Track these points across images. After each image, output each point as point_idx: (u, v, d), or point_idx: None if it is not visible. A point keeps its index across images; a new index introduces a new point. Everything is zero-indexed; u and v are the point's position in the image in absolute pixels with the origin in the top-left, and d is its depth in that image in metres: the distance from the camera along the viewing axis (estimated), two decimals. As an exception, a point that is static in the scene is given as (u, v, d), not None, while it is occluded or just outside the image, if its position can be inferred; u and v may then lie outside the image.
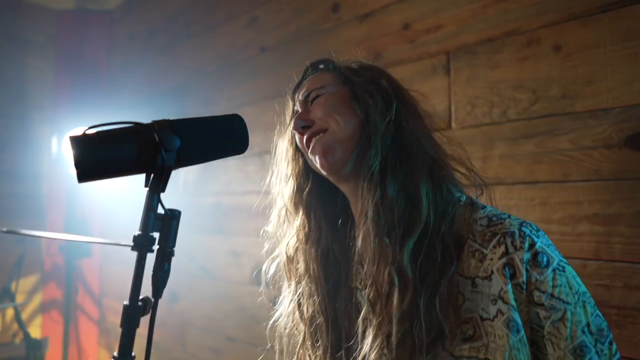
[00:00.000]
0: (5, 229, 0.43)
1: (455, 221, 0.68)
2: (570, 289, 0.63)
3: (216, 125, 0.60)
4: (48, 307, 2.86)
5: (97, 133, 0.52)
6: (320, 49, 1.70)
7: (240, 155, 2.19)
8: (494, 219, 0.67)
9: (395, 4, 1.46)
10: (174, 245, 0.56)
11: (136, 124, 0.53)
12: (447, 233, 0.66)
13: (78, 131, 0.52)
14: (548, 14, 1.13)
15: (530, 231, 0.64)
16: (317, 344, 0.79)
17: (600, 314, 0.66)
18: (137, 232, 0.55)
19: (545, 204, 1.12)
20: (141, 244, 0.54)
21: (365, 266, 0.72)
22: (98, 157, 0.51)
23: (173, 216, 0.55)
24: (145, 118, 2.18)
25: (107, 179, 0.53)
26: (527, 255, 0.62)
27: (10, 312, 2.70)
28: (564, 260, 0.66)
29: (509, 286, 0.62)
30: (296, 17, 1.82)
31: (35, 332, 2.81)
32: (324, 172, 0.74)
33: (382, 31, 1.50)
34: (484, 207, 0.71)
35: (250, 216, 1.95)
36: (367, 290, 0.70)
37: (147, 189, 0.55)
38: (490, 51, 1.23)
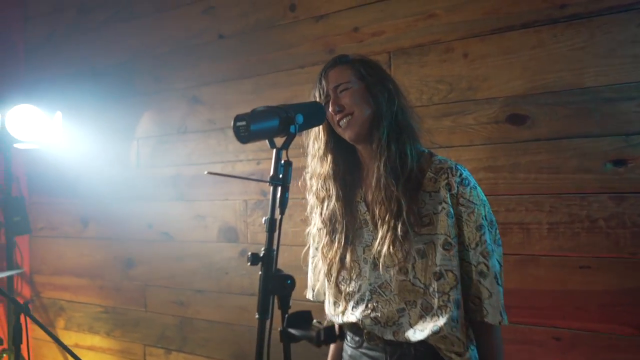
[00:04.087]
0: (208, 172, 0.67)
1: (421, 162, 1.16)
2: (478, 197, 1.12)
3: (310, 107, 0.97)
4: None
5: (258, 111, 0.87)
6: (279, 41, 2.05)
7: (201, 130, 2.63)
8: (442, 160, 1.16)
9: (347, 11, 1.88)
10: (289, 182, 0.93)
11: (275, 107, 0.88)
12: (418, 170, 1.14)
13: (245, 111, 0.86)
14: (459, 31, 1.66)
15: (462, 167, 1.14)
16: (334, 237, 1.22)
17: (492, 214, 1.16)
18: (270, 174, 0.90)
19: (459, 160, 1.65)
20: (275, 180, 0.90)
21: (373, 192, 1.16)
22: (259, 127, 0.86)
23: (289, 164, 0.92)
24: (85, 92, 2.65)
25: (261, 140, 0.88)
26: (457, 179, 1.11)
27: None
28: (477, 184, 1.16)
29: (448, 194, 1.10)
30: (254, 11, 2.13)
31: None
32: (349, 139, 1.16)
33: (335, 31, 1.91)
34: (436, 155, 1.19)
35: (216, 183, 2.24)
36: (377, 207, 1.15)
37: (274, 149, 0.91)
38: (420, 54, 1.73)
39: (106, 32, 2.62)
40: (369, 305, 1.17)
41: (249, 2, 2.14)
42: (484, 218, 1.11)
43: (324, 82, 1.18)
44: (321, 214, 1.25)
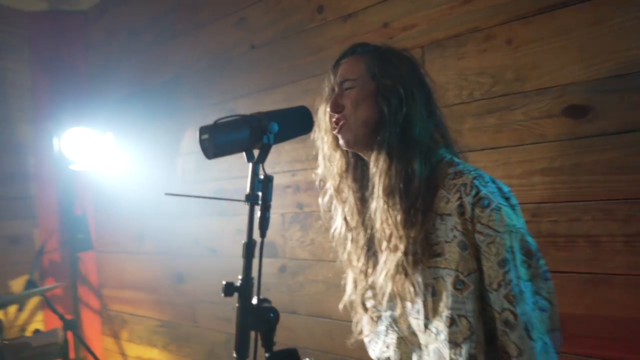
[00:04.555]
0: (167, 193, 0.62)
1: (436, 176, 0.94)
2: (502, 221, 0.86)
3: (294, 114, 0.85)
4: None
5: (223, 122, 0.76)
6: (309, 45, 1.95)
7: None
8: (457, 174, 0.92)
9: (375, 6, 1.73)
10: (270, 200, 0.81)
11: (245, 116, 0.78)
12: (430, 187, 0.93)
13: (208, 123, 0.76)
14: (500, 15, 1.44)
15: (480, 183, 0.89)
16: (358, 239, 1.05)
17: (530, 240, 0.90)
18: (247, 192, 0.80)
19: (507, 163, 1.44)
20: (251, 199, 0.79)
21: (373, 214, 0.98)
22: (226, 139, 0.75)
23: (269, 179, 0.81)
24: (135, 112, 2.56)
25: (230, 154, 0.77)
26: (471, 200, 0.87)
27: (13, 308, 2.81)
28: (504, 203, 0.90)
29: (460, 219, 0.88)
30: (283, 17, 2.05)
31: (39, 326, 2.93)
32: (341, 145, 1.01)
33: (364, 29, 1.77)
34: (459, 163, 0.95)
35: (253, 196, 2.19)
36: (377, 232, 0.97)
37: (251, 162, 0.80)
38: (456, 45, 1.53)
39: (154, 52, 2.70)
40: (385, 341, 1.01)
41: (278, 9, 2.07)
42: (508, 250, 0.86)
43: (331, 75, 1.03)
44: (344, 218, 1.08)
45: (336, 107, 0.98)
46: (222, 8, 2.30)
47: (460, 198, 0.89)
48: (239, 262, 2.36)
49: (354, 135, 0.97)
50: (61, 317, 1.82)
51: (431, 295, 0.90)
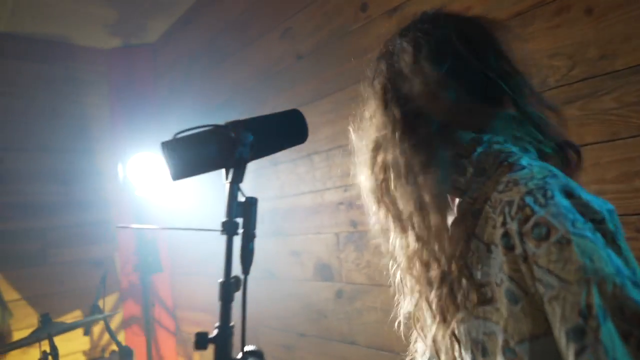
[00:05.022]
0: (118, 225, 0.52)
1: (486, 183, 0.68)
2: (573, 265, 0.54)
3: (280, 120, 0.68)
4: (129, 323, 3.09)
5: (184, 137, 0.62)
6: (354, 48, 1.77)
7: (290, 160, 2.30)
8: (510, 184, 0.64)
9: (422, -6, 1.52)
10: (254, 228, 0.65)
11: (215, 126, 0.62)
12: (476, 200, 0.68)
13: (169, 138, 0.62)
14: (575, -21, 1.15)
15: (535, 200, 0.59)
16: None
17: (634, 296, 0.53)
18: (223, 219, 0.64)
19: (597, 164, 1.13)
20: (229, 228, 0.63)
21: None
22: (187, 157, 0.60)
23: (252, 202, 0.64)
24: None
25: (197, 174, 0.63)
26: (519, 226, 0.59)
27: (97, 329, 2.94)
28: (583, 230, 0.56)
29: (507, 257, 0.61)
30: (327, 21, 1.90)
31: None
32: None
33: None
34: (522, 168, 0.66)
35: (306, 216, 2.04)
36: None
37: (227, 182, 0.64)
38: (520, 25, 1.26)
39: (209, 75, 2.71)
40: None
41: (321, 13, 1.92)
42: (584, 313, 0.53)
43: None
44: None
45: None
46: (268, 21, 2.22)
47: (504, 223, 0.62)
48: (295, 286, 2.21)
49: None
50: (117, 344, 1.82)
51: (481, 354, 0.66)
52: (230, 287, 0.62)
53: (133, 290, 3.07)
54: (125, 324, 3.10)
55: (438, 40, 0.75)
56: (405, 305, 0.85)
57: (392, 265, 0.87)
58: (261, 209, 2.25)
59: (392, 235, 0.84)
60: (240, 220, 0.64)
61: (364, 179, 0.81)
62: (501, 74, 0.75)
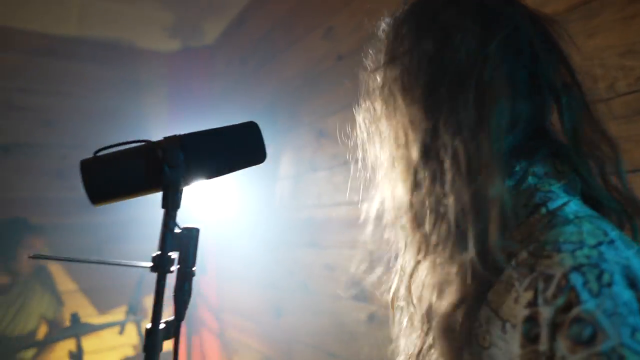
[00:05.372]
0: (31, 255, 0.46)
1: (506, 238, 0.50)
2: None
3: (226, 135, 0.56)
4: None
5: (106, 155, 0.52)
6: (395, 47, 1.61)
7: (328, 167, 2.14)
8: (548, 247, 0.46)
9: (469, -16, 1.32)
10: (193, 265, 0.54)
11: (145, 141, 0.52)
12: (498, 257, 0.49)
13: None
14: (658, -43, 0.91)
15: (584, 283, 0.42)
16: None
17: None
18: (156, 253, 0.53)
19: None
20: (159, 264, 0.52)
21: None
22: (106, 178, 0.51)
23: (190, 235, 0.53)
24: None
25: (122, 199, 0.53)
26: (555, 314, 0.42)
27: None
28: None
29: (523, 350, 0.44)
30: (368, 18, 1.75)
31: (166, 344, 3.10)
32: None
33: (458, 16, 1.36)
34: (567, 222, 0.47)
35: (342, 228, 1.90)
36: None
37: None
38: (585, 16, 1.03)
39: (257, 76, 2.66)
40: None
41: (363, 11, 1.78)
42: None
43: None
44: None
45: None
46: (312, 20, 2.11)
47: (533, 303, 0.44)
48: (329, 303, 2.07)
49: None
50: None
51: None
52: (157, 335, 0.51)
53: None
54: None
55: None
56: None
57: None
58: (297, 217, 2.14)
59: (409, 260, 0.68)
60: (176, 255, 0.53)
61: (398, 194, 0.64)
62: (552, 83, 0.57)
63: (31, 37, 2.85)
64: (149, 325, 0.53)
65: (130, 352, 2.61)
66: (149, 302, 2.66)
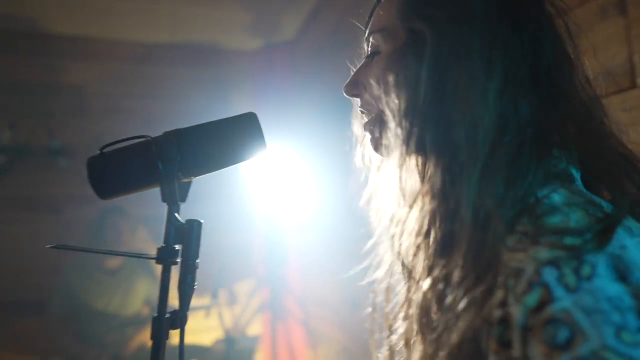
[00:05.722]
0: (52, 245, 0.49)
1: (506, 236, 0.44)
2: None
3: (222, 127, 0.55)
4: (262, 309, 3.28)
5: (110, 152, 0.54)
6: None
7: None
8: (525, 238, 0.40)
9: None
10: (196, 257, 0.54)
11: (141, 137, 0.53)
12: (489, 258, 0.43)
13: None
14: None
15: (559, 277, 0.35)
16: None
17: None
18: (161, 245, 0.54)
19: None
20: (163, 257, 0.53)
21: None
22: (108, 175, 0.53)
23: (192, 227, 0.53)
24: (324, 131, 2.20)
25: (128, 193, 0.54)
26: (526, 316, 0.36)
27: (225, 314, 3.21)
28: (629, 353, 0.32)
29: (496, 356, 0.37)
30: None
31: (253, 330, 3.26)
32: None
33: None
34: (553, 209, 0.41)
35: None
36: None
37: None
38: (617, 5, 0.85)
39: (335, 67, 2.65)
40: None
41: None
42: None
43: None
44: None
45: (349, 85, 0.66)
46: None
47: (504, 303, 0.38)
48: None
49: (375, 133, 0.63)
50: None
51: None
52: (163, 324, 0.52)
53: (269, 278, 3.25)
54: (260, 310, 3.30)
55: None
56: None
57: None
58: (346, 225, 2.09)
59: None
60: (180, 247, 0.53)
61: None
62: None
63: (129, 46, 3.15)
64: (155, 314, 0.54)
65: (220, 334, 2.79)
66: (246, 286, 2.81)
